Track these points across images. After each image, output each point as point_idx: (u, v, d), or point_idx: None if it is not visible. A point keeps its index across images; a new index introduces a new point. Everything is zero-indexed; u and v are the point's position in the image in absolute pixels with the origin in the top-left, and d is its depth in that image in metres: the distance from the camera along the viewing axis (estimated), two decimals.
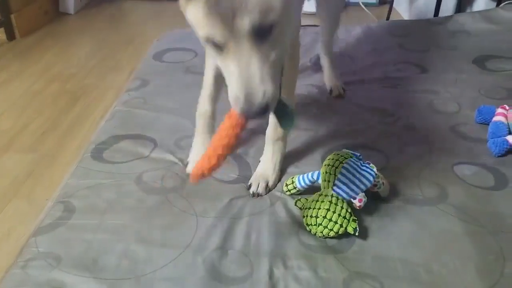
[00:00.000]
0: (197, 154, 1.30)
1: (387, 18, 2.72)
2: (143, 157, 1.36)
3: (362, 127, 1.50)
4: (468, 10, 2.65)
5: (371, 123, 1.53)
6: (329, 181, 1.08)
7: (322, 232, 1.03)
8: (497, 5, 2.52)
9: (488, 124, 1.45)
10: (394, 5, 3.13)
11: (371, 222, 1.10)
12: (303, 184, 1.16)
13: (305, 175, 1.16)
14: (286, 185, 1.20)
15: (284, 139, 1.31)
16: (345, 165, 1.08)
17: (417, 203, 1.15)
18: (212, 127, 1.37)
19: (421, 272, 0.97)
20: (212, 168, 0.92)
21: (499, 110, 1.46)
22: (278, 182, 1.26)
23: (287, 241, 1.05)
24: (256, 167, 1.30)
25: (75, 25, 2.89)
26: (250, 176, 1.27)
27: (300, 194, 1.18)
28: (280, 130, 1.29)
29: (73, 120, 1.78)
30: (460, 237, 1.05)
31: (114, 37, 2.64)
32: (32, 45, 2.61)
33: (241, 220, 1.11)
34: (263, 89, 0.79)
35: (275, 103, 0.83)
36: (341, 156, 1.11)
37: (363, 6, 3.08)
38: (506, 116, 1.43)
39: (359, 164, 1.10)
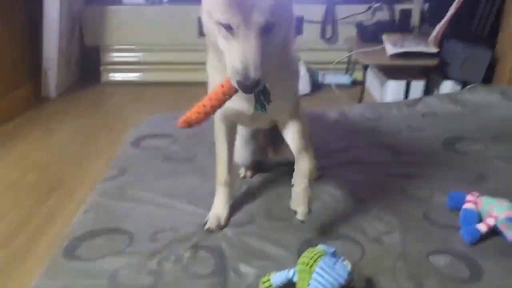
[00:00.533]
0: (216, 217, 1.47)
1: (360, 101, 2.83)
2: (118, 252, 1.34)
3: (335, 216, 1.51)
4: (435, 92, 2.78)
5: (345, 211, 1.54)
6: (304, 280, 1.08)
7: None
8: (462, 87, 2.65)
9: (460, 210, 1.48)
10: (367, 86, 3.27)
11: None
12: (279, 282, 1.15)
13: (281, 272, 1.16)
14: (263, 282, 1.18)
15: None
16: (320, 263, 1.09)
17: None
18: (230, 195, 1.54)
19: None
20: (197, 120, 1.12)
21: (469, 197, 1.49)
22: None
23: None
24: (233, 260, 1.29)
25: (56, 110, 2.93)
26: (226, 269, 1.26)
27: None
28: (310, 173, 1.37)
29: (48, 213, 1.74)
30: None
31: (94, 122, 2.67)
32: (11, 132, 2.61)
33: None
34: (260, 67, 1.02)
35: (263, 84, 1.07)
36: (316, 253, 1.12)
37: (334, 89, 3.21)
38: (475, 203, 1.46)
39: (333, 261, 1.10)
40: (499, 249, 1.34)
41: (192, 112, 1.11)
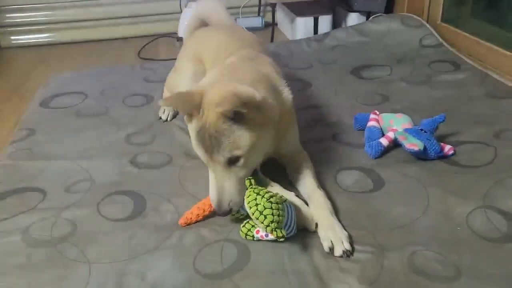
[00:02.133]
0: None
1: (271, 40, 2.86)
2: (30, 209, 1.30)
3: None
4: (342, 26, 2.86)
5: None
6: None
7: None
8: (367, 19, 2.74)
9: (364, 130, 1.57)
10: (279, 27, 3.30)
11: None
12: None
13: None
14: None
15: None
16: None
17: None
18: None
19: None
20: (197, 220, 1.22)
21: (372, 116, 1.58)
22: None
23: (185, 273, 1.06)
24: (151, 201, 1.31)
25: None
26: (145, 210, 1.28)
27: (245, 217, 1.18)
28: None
29: None
30: None
31: None
32: None
33: (136, 260, 1.10)
34: (228, 200, 1.13)
35: (238, 207, 1.16)
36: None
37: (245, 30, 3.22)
38: (377, 121, 1.56)
39: None
40: (398, 158, 1.45)
41: (192, 214, 1.22)
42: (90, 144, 1.66)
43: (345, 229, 1.15)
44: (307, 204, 1.23)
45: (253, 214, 1.08)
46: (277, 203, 1.09)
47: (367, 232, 1.15)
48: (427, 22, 2.54)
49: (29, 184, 1.43)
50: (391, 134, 1.46)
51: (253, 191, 1.12)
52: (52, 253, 1.13)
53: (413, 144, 1.38)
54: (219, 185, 1.13)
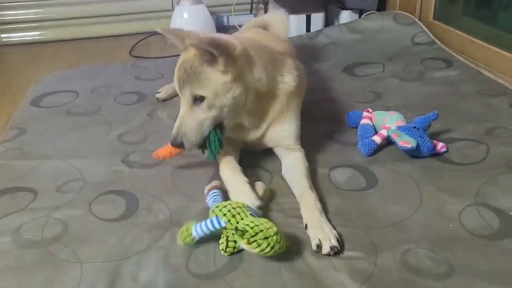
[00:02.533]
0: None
1: None
2: (20, 209, 1.29)
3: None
4: (335, 23, 2.85)
5: None
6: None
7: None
8: (359, 16, 2.74)
9: (357, 127, 1.57)
10: None
11: None
12: (202, 233, 1.09)
13: (203, 223, 1.10)
14: (181, 233, 1.11)
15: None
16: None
17: (298, 216, 1.21)
18: None
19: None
20: (165, 157, 1.41)
21: (365, 113, 1.58)
22: None
23: (178, 273, 1.05)
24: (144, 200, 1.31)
25: None
26: (137, 209, 1.27)
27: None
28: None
29: None
30: None
31: None
32: None
33: (129, 260, 1.09)
34: (183, 133, 1.25)
35: (190, 145, 1.27)
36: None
37: (239, 28, 3.20)
38: (370, 118, 1.56)
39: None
40: (391, 156, 1.45)
41: (164, 149, 1.40)
42: (81, 143, 1.65)
43: (334, 228, 1.14)
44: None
45: (259, 253, 1.04)
46: (261, 230, 1.03)
47: (360, 230, 1.15)
48: (419, 19, 2.54)
49: (20, 184, 1.42)
50: (384, 132, 1.46)
51: (234, 246, 1.08)
52: (44, 254, 1.12)
53: (406, 141, 1.38)
54: (181, 118, 1.26)
